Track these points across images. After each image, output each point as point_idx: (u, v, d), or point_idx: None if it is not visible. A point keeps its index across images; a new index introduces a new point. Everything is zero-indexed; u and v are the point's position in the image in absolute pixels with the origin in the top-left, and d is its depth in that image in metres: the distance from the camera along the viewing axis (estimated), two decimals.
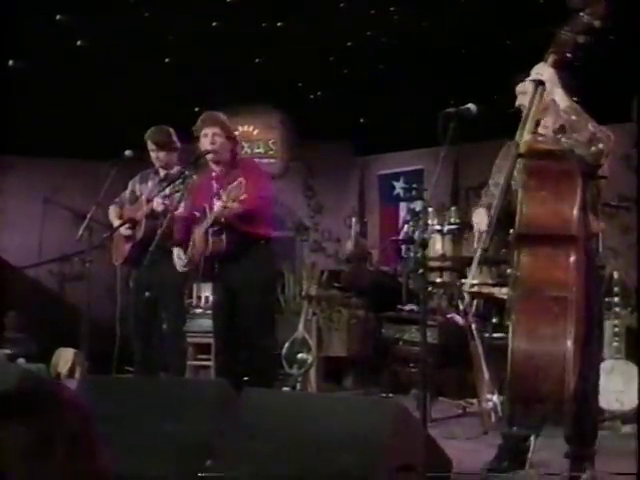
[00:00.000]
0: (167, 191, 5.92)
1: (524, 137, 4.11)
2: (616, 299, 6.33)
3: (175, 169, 6.31)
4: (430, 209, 7.48)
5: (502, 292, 3.98)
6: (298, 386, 7.48)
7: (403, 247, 8.39)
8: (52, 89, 8.86)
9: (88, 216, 6.00)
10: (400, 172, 11.29)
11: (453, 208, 7.98)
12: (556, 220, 3.82)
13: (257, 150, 10.93)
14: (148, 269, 5.76)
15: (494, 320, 4.70)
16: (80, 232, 5.95)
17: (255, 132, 10.97)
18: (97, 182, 6.64)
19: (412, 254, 7.71)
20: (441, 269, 7.72)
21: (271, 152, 11.03)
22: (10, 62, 8.54)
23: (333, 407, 4.11)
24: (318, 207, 11.63)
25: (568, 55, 4.15)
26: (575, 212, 3.82)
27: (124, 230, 6.29)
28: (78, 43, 8.47)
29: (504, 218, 4.09)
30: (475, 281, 4.18)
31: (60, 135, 9.42)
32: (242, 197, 5.52)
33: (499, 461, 4.82)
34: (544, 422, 4.86)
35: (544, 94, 4.22)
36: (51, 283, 10.22)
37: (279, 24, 8.65)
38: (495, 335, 4.49)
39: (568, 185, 3.88)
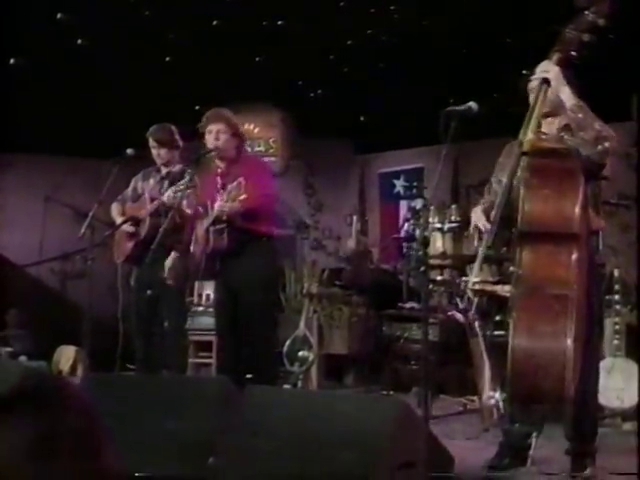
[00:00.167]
0: (174, 188, 5.91)
1: (528, 135, 4.12)
2: (616, 297, 6.35)
3: (177, 167, 6.32)
4: (431, 207, 7.50)
5: (504, 290, 3.98)
6: (299, 384, 7.49)
7: (404, 245, 8.40)
8: (53, 87, 8.87)
9: (90, 214, 6.01)
10: (400, 170, 11.31)
11: (454, 206, 8.00)
12: (558, 218, 3.83)
13: (258, 148, 10.95)
14: (150, 267, 5.77)
15: (497, 318, 4.70)
16: (82, 230, 5.96)
17: (256, 130, 10.99)
18: (98, 180, 6.65)
19: (413, 252, 7.72)
20: (442, 267, 7.74)
21: (272, 150, 11.04)
22: (11, 60, 8.55)
23: (335, 405, 4.10)
24: (318, 205, 11.64)
25: (573, 53, 4.15)
26: (577, 210, 3.82)
27: (127, 227, 6.29)
28: (79, 42, 8.48)
29: (506, 216, 4.09)
30: (477, 279, 4.17)
31: (60, 133, 9.44)
32: (242, 197, 5.52)
33: (500, 458, 4.83)
34: (545, 419, 4.88)
35: (549, 92, 4.23)
36: (52, 281, 10.23)
37: (279, 23, 8.66)
38: (496, 333, 4.49)
39: (570, 183, 3.88)
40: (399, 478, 3.62)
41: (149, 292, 6.07)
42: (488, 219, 4.54)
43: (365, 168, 11.72)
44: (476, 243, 6.96)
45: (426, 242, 4.71)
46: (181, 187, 5.89)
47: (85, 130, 9.57)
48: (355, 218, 9.53)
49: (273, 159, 10.93)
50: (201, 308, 8.48)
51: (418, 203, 8.28)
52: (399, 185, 11.28)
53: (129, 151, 6.17)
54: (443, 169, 5.00)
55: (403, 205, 10.74)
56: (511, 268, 4.01)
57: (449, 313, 7.10)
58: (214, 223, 5.71)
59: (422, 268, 4.77)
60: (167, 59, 9.14)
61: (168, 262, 6.04)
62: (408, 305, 8.01)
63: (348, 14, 8.37)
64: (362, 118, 10.85)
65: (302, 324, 7.70)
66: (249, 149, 10.63)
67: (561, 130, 4.45)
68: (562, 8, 4.17)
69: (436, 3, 8.14)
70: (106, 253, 6.56)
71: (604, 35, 4.16)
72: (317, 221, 11.57)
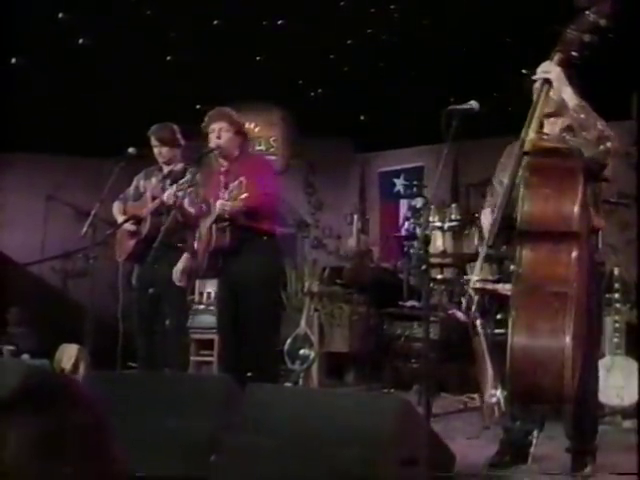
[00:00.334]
0: (175, 186, 5.93)
1: (529, 135, 4.14)
2: (616, 295, 6.36)
3: (179, 166, 6.34)
4: (431, 206, 7.52)
5: (506, 288, 4.00)
6: (300, 382, 7.50)
7: (405, 243, 8.42)
8: (54, 86, 8.89)
9: (92, 213, 6.01)
10: (400, 169, 11.34)
11: (454, 205, 8.01)
12: (558, 217, 3.84)
13: (258, 147, 10.96)
14: (152, 265, 5.79)
15: (498, 316, 4.72)
16: (84, 229, 5.97)
17: (256, 129, 11.00)
18: (99, 179, 6.67)
19: (414, 250, 7.75)
20: (442, 265, 7.76)
21: (272, 149, 11.06)
22: (13, 60, 8.57)
23: (337, 402, 4.10)
24: (319, 204, 11.67)
25: (574, 54, 4.17)
26: (577, 209, 3.84)
27: (129, 226, 6.29)
28: (80, 41, 8.50)
29: (508, 215, 4.11)
30: (476, 277, 4.20)
31: (62, 132, 9.46)
32: (242, 196, 5.53)
33: (501, 456, 4.84)
34: (545, 417, 4.89)
35: (551, 93, 4.25)
36: (54, 280, 10.24)
37: (280, 22, 8.67)
38: (497, 331, 4.51)
39: (570, 182, 3.90)
40: (401, 476, 3.63)
41: (151, 290, 6.08)
42: None
43: (365, 167, 11.74)
44: (476, 242, 7.02)
45: (427, 240, 4.73)
46: (182, 186, 5.91)
47: (86, 129, 9.59)
48: (356, 217, 9.55)
49: (273, 158, 10.92)
50: (202, 306, 8.49)
51: (418, 202, 8.29)
52: (399, 184, 11.31)
53: (131, 150, 6.17)
54: (443, 168, 5.01)
55: (403, 204, 10.75)
56: (511, 267, 4.03)
57: (449, 311, 7.14)
58: (216, 221, 5.71)
59: (423, 267, 4.80)
60: (168, 58, 9.16)
61: (180, 264, 6.05)
62: (409, 303, 8.03)
63: (348, 13, 8.38)
64: (362, 117, 10.87)
65: (303, 322, 7.71)
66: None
67: (563, 130, 4.47)
68: (562, 8, 4.19)
69: (436, 3, 8.15)
70: (108, 252, 6.57)
71: (604, 34, 4.17)
72: (317, 220, 11.60)
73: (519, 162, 4.11)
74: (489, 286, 4.17)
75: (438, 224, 7.54)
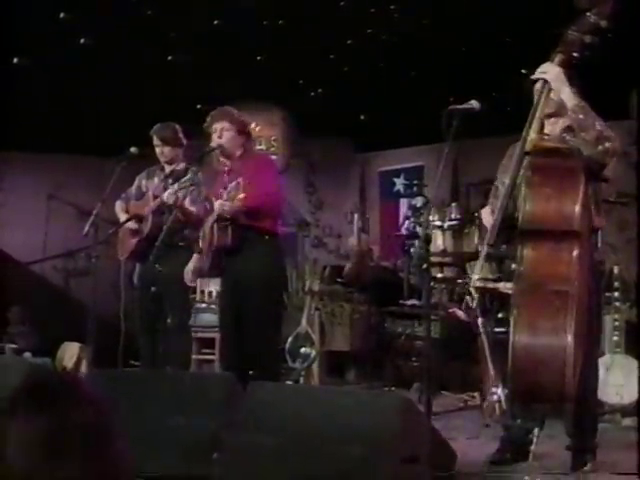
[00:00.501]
0: (176, 186, 5.95)
1: (530, 136, 4.16)
2: (616, 294, 6.39)
3: (180, 165, 6.36)
4: (431, 205, 7.55)
5: (507, 287, 4.02)
6: (301, 380, 7.53)
7: (405, 242, 8.43)
8: (55, 86, 8.90)
9: (94, 212, 6.02)
10: (400, 169, 11.35)
11: (454, 204, 8.03)
12: (559, 216, 3.87)
13: (259, 147, 10.92)
14: (153, 264, 5.81)
15: (500, 315, 4.74)
16: (86, 228, 5.98)
17: (257, 129, 10.98)
18: (100, 179, 6.68)
19: (415, 249, 7.77)
20: (442, 264, 7.78)
21: (272, 149, 11.06)
22: (15, 59, 8.58)
23: (339, 400, 4.12)
24: (319, 203, 11.69)
25: (575, 55, 4.19)
26: (578, 208, 3.86)
27: (131, 224, 6.31)
28: (82, 41, 8.51)
29: (509, 214, 4.13)
30: (477, 276, 4.22)
31: (64, 132, 9.47)
32: (240, 196, 5.55)
33: (502, 454, 4.87)
34: (546, 415, 4.92)
35: (552, 93, 4.27)
36: (56, 279, 10.26)
37: (280, 22, 8.68)
38: (498, 329, 4.53)
39: (571, 182, 3.92)
40: (403, 473, 3.65)
41: (153, 289, 6.10)
42: None
43: (365, 166, 11.76)
44: (476, 241, 7.04)
45: (429, 239, 4.75)
46: (183, 185, 5.93)
47: (88, 129, 9.61)
48: (356, 216, 9.56)
49: (274, 157, 10.96)
50: (204, 305, 8.50)
51: (418, 201, 8.31)
52: (399, 183, 11.33)
53: (132, 150, 6.19)
54: (443, 168, 5.03)
55: (403, 203, 10.77)
56: (513, 265, 4.05)
57: (450, 310, 7.17)
58: (218, 221, 5.74)
59: (424, 265, 4.82)
60: (169, 58, 9.17)
61: (191, 264, 6.06)
62: (409, 302, 8.05)
63: (348, 14, 8.39)
64: (362, 117, 10.88)
65: (304, 321, 7.74)
66: None
67: (564, 131, 4.49)
68: (562, 7, 4.21)
69: (436, 3, 8.16)
70: (110, 251, 6.58)
71: (604, 34, 4.19)
72: (318, 219, 11.62)
73: (520, 162, 4.13)
74: (490, 285, 4.18)
75: (438, 223, 7.56)
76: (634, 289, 6.96)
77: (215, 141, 5.85)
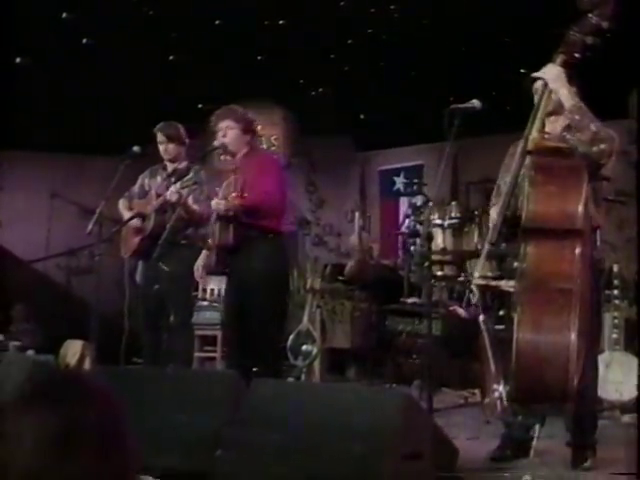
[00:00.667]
0: (179, 184, 5.97)
1: (532, 134, 4.19)
2: (615, 292, 6.43)
3: (183, 164, 6.38)
4: (430, 204, 7.58)
5: (509, 285, 4.05)
6: (302, 377, 7.55)
7: (407, 241, 8.45)
8: (58, 86, 8.92)
9: (97, 211, 6.04)
10: (400, 167, 11.37)
11: (453, 203, 8.04)
12: (562, 214, 3.89)
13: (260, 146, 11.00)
14: (156, 262, 5.84)
15: (501, 312, 4.77)
16: (90, 227, 5.99)
17: (258, 128, 11.02)
18: (103, 177, 6.69)
19: (415, 247, 7.79)
20: (442, 263, 7.80)
21: (273, 148, 11.06)
22: (17, 59, 8.61)
23: (342, 397, 4.13)
24: (319, 202, 11.70)
25: (577, 55, 4.21)
26: (581, 207, 3.88)
27: (134, 222, 6.33)
28: (84, 41, 8.54)
29: (511, 213, 4.16)
30: (478, 274, 4.25)
31: (66, 131, 9.49)
32: (233, 194, 5.58)
33: (503, 450, 4.89)
34: (547, 412, 4.94)
35: (551, 94, 4.30)
36: (59, 277, 10.27)
37: (281, 22, 8.71)
38: (498, 327, 4.56)
39: (574, 181, 3.95)
40: (405, 469, 3.67)
41: (156, 287, 6.13)
42: None
43: (365, 165, 11.77)
44: (476, 239, 7.07)
45: (430, 238, 4.78)
46: (186, 183, 5.95)
47: (90, 128, 9.63)
48: (357, 214, 9.59)
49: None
50: (206, 303, 8.53)
51: (418, 200, 8.33)
52: (399, 182, 11.34)
53: (135, 149, 6.20)
54: (444, 167, 5.06)
55: (403, 202, 10.78)
56: (515, 263, 4.07)
57: (450, 308, 7.20)
58: (219, 219, 5.76)
59: (426, 263, 4.85)
60: (170, 58, 9.20)
61: (200, 260, 6.09)
62: (410, 300, 8.08)
63: (348, 14, 8.41)
64: (362, 116, 10.90)
65: (305, 319, 7.76)
66: None
67: (564, 129, 4.53)
68: (561, 7, 4.24)
69: (436, 3, 8.18)
70: (113, 249, 6.60)
71: (605, 35, 4.22)
72: (318, 217, 11.63)
73: (522, 161, 4.16)
74: (492, 282, 4.21)
75: (438, 222, 7.58)
76: (633, 287, 6.99)
77: (219, 140, 5.88)
